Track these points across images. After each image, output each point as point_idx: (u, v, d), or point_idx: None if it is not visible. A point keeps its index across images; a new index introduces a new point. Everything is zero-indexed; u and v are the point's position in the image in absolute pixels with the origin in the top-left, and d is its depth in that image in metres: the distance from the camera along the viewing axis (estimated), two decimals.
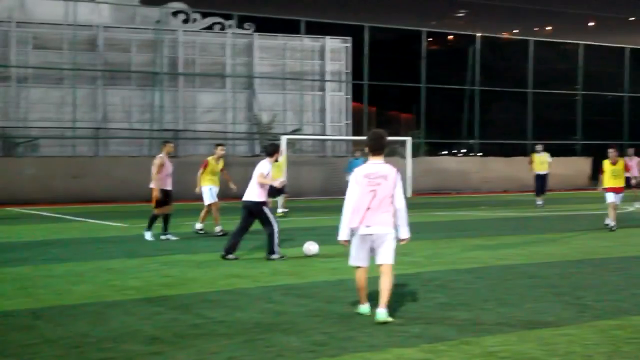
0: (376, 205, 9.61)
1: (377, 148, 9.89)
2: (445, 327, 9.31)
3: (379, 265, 9.75)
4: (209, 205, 19.97)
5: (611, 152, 21.31)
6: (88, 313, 10.18)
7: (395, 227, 9.78)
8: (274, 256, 15.17)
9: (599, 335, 8.92)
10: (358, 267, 9.86)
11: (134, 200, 31.42)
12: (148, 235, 18.64)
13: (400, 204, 9.76)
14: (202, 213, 20.08)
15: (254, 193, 15.20)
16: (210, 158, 20.21)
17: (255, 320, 9.75)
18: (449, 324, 9.47)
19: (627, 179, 23.19)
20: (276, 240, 15.24)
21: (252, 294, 11.58)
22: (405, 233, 9.86)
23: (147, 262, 14.98)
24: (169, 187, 18.81)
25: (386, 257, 9.70)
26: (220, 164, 20.25)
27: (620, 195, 21.25)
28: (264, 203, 15.27)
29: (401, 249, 16.20)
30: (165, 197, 18.68)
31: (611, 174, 21.12)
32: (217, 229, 19.72)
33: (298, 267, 14.22)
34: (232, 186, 20.19)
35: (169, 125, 37.69)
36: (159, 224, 18.86)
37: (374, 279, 9.96)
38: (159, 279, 12.89)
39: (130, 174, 32.85)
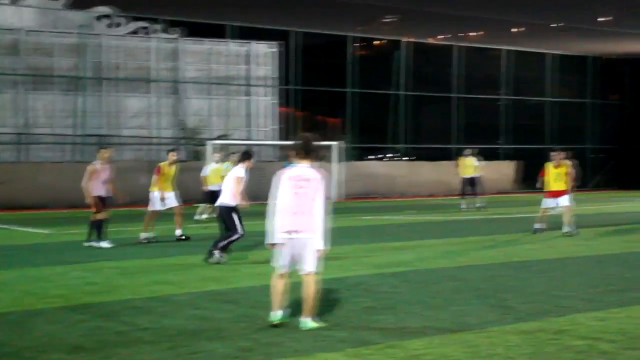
0: (301, 209, 9.51)
1: (305, 152, 9.79)
2: (370, 331, 9.36)
3: (303, 274, 9.65)
4: (162, 210, 19.76)
5: (554, 154, 21.05)
6: (9, 322, 10.00)
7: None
8: (216, 256, 15.16)
9: (521, 337, 9.06)
10: (278, 271, 9.66)
11: (57, 206, 30.97)
12: (105, 244, 18.27)
13: (320, 210, 9.58)
14: (178, 218, 19.82)
15: (227, 197, 15.42)
16: (162, 164, 20.00)
17: (180, 326, 9.68)
18: (374, 328, 9.53)
19: None
20: (228, 245, 15.34)
21: (178, 300, 11.50)
22: (321, 243, 9.61)
23: (72, 269, 14.77)
24: (104, 194, 18.53)
25: (310, 264, 9.60)
26: (174, 169, 20.08)
27: (560, 198, 20.82)
28: (234, 208, 15.39)
29: (328, 253, 16.22)
30: (101, 203, 18.42)
31: (553, 177, 20.86)
32: (143, 235, 19.50)
33: (225, 273, 14.17)
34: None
35: (93, 130, 37.17)
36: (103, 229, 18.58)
37: (297, 284, 9.94)
38: (83, 287, 12.72)
39: (54, 180, 32.36)
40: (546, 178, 21.09)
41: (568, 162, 21.15)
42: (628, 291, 12.15)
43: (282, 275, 9.69)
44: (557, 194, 20.85)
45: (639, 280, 13.31)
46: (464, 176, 31.24)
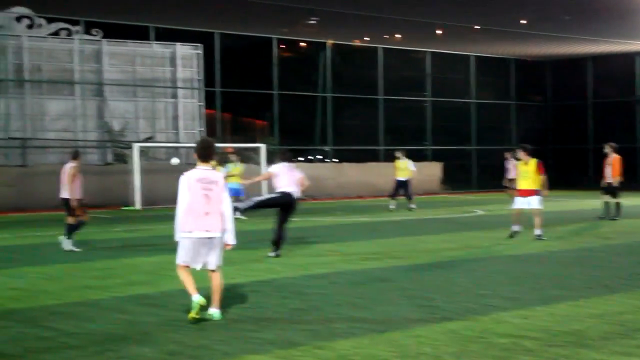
0: (211, 209, 10.11)
1: (206, 155, 10.45)
2: (298, 333, 9.38)
3: (209, 270, 10.30)
4: None
5: (520, 152, 20.31)
6: None
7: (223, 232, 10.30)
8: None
9: (447, 336, 9.16)
10: (182, 266, 10.28)
11: None
12: (69, 244, 18.06)
13: (228, 209, 10.27)
14: None
15: (296, 190, 16.89)
16: None
17: (107, 331, 9.58)
18: (302, 329, 9.55)
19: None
20: None
21: (104, 305, 11.37)
22: (231, 239, 10.40)
23: None
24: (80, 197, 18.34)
25: (216, 260, 10.28)
26: None
27: (531, 198, 19.95)
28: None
29: (256, 256, 16.28)
30: (82, 206, 18.23)
31: (521, 175, 20.15)
32: None
33: (152, 277, 14.07)
34: None
35: (15, 133, 36.55)
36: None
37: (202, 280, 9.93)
38: (5, 292, 12.50)
39: None
40: (517, 177, 20.40)
41: (535, 160, 20.20)
42: (550, 289, 12.37)
43: (186, 268, 10.28)
44: (527, 194, 20.06)
45: (561, 278, 13.56)
46: (397, 178, 31.59)
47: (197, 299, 9.99)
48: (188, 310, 10.08)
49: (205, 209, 10.10)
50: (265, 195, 17.93)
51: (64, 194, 18.19)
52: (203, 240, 10.14)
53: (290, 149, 43.38)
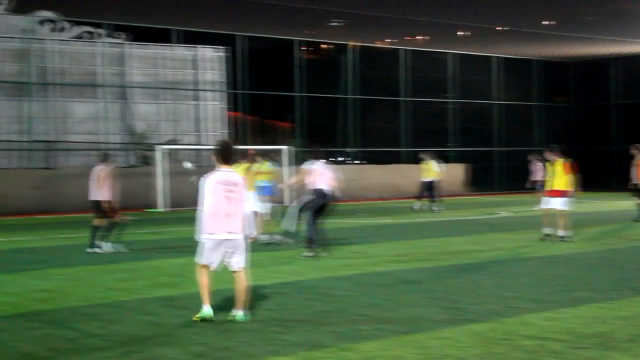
0: (233, 211, 10.20)
1: (227, 157, 10.50)
2: (323, 334, 9.37)
3: (233, 271, 10.33)
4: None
5: (555, 153, 19.94)
6: None
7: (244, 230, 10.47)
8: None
9: (472, 338, 9.12)
10: (204, 267, 10.31)
11: (4, 214, 30.55)
12: (114, 247, 18.21)
13: (248, 209, 10.82)
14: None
15: (331, 188, 17.27)
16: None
17: (131, 332, 9.62)
18: (327, 331, 9.54)
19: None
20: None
21: (129, 306, 11.42)
22: (253, 232, 10.97)
23: (20, 276, 14.61)
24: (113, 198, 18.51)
25: (240, 262, 10.32)
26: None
27: (560, 199, 19.70)
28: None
29: (280, 258, 16.30)
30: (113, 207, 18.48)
31: (553, 176, 19.85)
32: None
33: (176, 279, 14.10)
34: None
35: (40, 136, 36.81)
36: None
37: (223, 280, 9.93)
38: (32, 294, 12.57)
39: (1, 186, 31.97)
40: (549, 178, 20.13)
41: (561, 159, 19.88)
42: (576, 291, 12.29)
43: (207, 271, 10.32)
44: (551, 194, 19.92)
45: (586, 280, 13.48)
46: (423, 179, 31.62)
47: (206, 310, 10.11)
48: (197, 311, 10.19)
49: (226, 210, 10.16)
50: (301, 200, 17.93)
51: (102, 196, 18.23)
52: (225, 242, 10.20)
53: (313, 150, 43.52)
